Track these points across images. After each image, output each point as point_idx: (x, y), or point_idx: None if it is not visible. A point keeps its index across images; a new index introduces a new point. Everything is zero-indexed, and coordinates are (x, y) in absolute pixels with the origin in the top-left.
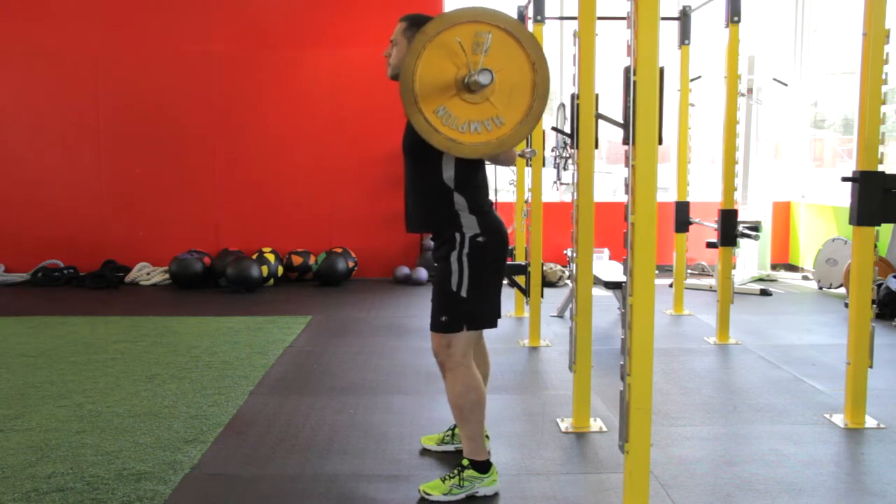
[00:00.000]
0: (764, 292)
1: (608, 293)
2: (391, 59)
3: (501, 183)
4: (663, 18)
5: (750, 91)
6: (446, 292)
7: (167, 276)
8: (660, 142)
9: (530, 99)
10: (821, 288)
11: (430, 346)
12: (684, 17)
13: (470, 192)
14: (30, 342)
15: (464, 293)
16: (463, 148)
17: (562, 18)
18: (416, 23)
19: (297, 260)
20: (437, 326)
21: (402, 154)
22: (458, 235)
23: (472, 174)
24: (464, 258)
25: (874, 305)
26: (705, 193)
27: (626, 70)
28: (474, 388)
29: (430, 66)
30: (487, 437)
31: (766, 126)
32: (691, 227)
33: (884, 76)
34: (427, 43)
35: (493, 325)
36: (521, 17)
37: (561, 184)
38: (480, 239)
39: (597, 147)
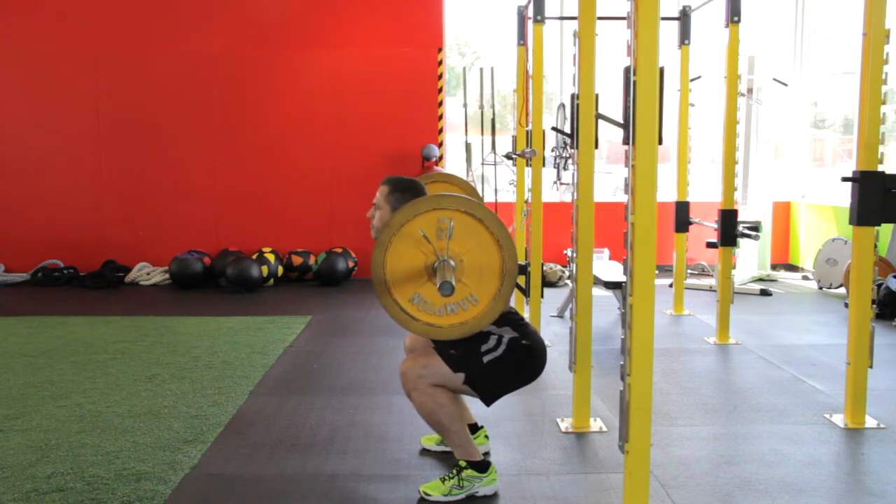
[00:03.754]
0: (764, 292)
1: (608, 293)
2: (374, 222)
3: (501, 183)
4: (663, 18)
5: (750, 91)
6: (471, 346)
7: (167, 276)
8: (660, 142)
9: (500, 275)
10: (821, 288)
11: (400, 367)
12: (684, 17)
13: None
14: (30, 342)
15: (485, 360)
16: (442, 331)
17: (562, 18)
18: (398, 188)
19: (297, 260)
20: (441, 350)
21: None
22: (496, 335)
23: None
24: (504, 341)
25: (874, 305)
26: (705, 193)
27: (626, 70)
28: (445, 402)
29: (398, 257)
30: (487, 437)
31: (766, 126)
32: (691, 227)
33: (884, 76)
34: (392, 237)
35: (487, 402)
36: (521, 17)
37: (561, 184)
38: (524, 342)
39: (597, 147)
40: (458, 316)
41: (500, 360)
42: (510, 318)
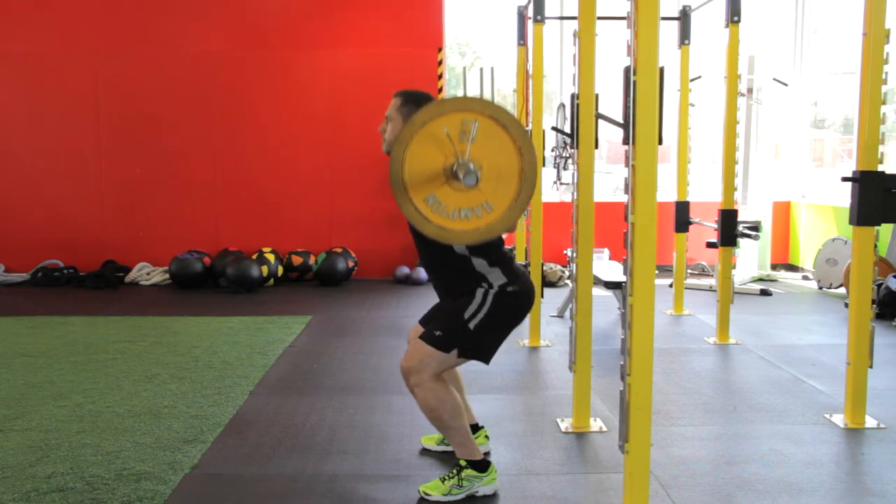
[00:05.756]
0: (764, 292)
1: (608, 293)
2: (386, 135)
3: None
4: (663, 18)
5: (750, 91)
6: (455, 317)
7: (167, 276)
8: (660, 142)
9: (518, 184)
10: (821, 288)
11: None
12: (684, 17)
13: (486, 251)
14: (30, 342)
15: (472, 325)
16: (452, 235)
17: (562, 18)
18: (411, 100)
19: (297, 260)
20: (427, 337)
21: (410, 232)
22: (486, 284)
23: None
24: (490, 295)
25: (874, 305)
26: (705, 193)
27: (626, 70)
28: (447, 398)
29: (418, 155)
30: (487, 437)
31: (766, 126)
32: (691, 227)
33: (884, 76)
34: (414, 133)
35: (486, 360)
36: (521, 17)
37: (561, 184)
38: (510, 288)
39: (597, 147)
40: (471, 222)
41: (487, 318)
42: (503, 257)
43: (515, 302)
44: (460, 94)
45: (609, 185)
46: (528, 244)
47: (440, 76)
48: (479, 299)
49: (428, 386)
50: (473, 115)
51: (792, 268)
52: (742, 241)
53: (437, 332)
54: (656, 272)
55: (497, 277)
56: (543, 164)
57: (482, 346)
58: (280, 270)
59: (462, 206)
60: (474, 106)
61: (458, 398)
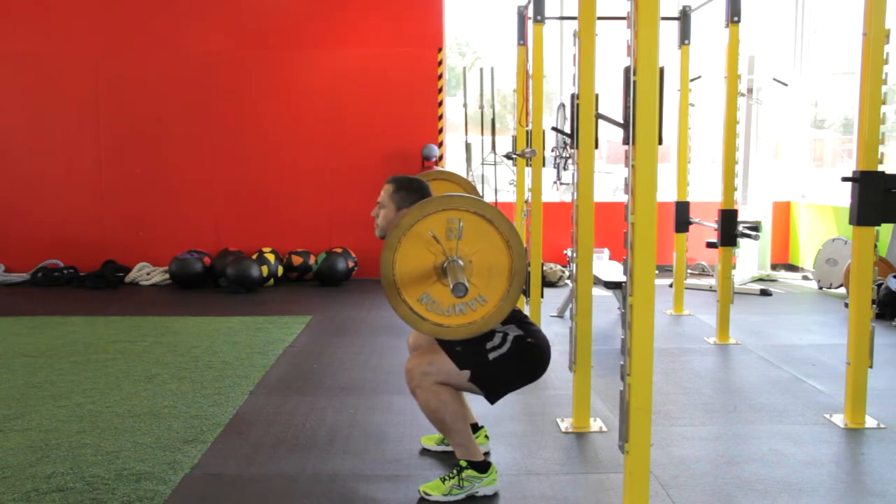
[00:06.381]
0: (764, 292)
1: (608, 293)
2: (379, 220)
3: (501, 183)
4: (663, 18)
5: (750, 91)
6: (477, 344)
7: (167, 276)
8: (660, 142)
9: (509, 275)
10: (821, 288)
11: (405, 364)
12: (684, 17)
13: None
14: (30, 342)
15: (491, 357)
16: (449, 331)
17: (562, 18)
18: (403, 186)
19: (297, 260)
20: (447, 347)
21: None
22: (502, 332)
23: None
24: (509, 339)
25: (874, 305)
26: (705, 193)
27: (626, 70)
28: (450, 399)
29: (407, 257)
30: (487, 437)
31: (766, 126)
32: (691, 227)
33: (884, 76)
34: (401, 236)
35: (492, 400)
36: (521, 17)
37: (561, 184)
38: (529, 339)
39: (597, 147)
40: (467, 316)
41: (506, 357)
42: (514, 316)
43: (533, 353)
44: (460, 94)
45: (609, 185)
46: (528, 244)
47: (440, 76)
48: (499, 339)
49: (430, 388)
50: (458, 213)
51: (792, 268)
52: (742, 241)
53: (458, 348)
54: (656, 272)
55: (512, 330)
56: (543, 164)
57: (495, 380)
58: (280, 270)
59: (456, 302)
60: (458, 204)
61: (459, 400)
